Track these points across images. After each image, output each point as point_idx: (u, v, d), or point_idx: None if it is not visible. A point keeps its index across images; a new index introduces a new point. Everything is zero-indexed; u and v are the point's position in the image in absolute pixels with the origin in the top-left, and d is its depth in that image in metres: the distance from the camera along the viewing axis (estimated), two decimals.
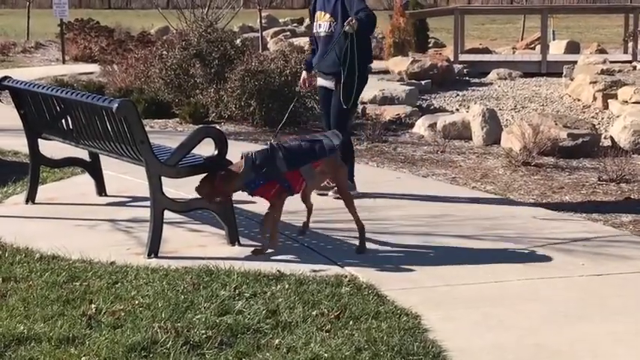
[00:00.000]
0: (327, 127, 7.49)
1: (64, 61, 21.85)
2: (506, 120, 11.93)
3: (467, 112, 11.75)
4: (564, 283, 5.46)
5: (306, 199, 6.28)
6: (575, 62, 16.28)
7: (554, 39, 23.20)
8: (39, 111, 7.10)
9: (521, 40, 26.04)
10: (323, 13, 7.53)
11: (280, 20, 32.13)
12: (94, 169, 7.71)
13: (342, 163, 6.29)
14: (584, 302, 5.14)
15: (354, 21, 7.00)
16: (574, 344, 4.51)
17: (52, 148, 7.63)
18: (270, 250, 5.95)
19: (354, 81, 7.29)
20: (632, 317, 4.90)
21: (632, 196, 7.76)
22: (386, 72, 16.04)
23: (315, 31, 7.67)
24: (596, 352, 4.43)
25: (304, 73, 7.92)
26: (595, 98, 12.76)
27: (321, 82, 7.72)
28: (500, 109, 12.51)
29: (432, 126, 11.07)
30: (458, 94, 14.34)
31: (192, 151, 6.28)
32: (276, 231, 6.04)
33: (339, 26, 7.25)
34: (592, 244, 6.28)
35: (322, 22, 7.53)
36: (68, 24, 23.85)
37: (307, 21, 31.36)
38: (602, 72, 14.18)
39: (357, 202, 6.30)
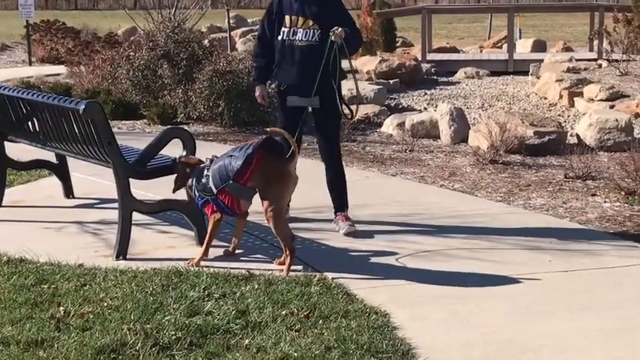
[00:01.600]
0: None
1: (30, 63, 21.67)
2: (474, 118, 11.99)
3: (435, 111, 11.80)
4: (531, 280, 5.51)
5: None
6: (541, 61, 16.38)
7: (520, 37, 23.33)
8: (5, 113, 7.05)
9: (488, 38, 26.15)
10: (299, 18, 6.38)
11: (249, 20, 32.03)
12: (61, 171, 7.67)
13: (270, 182, 5.66)
14: (551, 298, 5.19)
15: (339, 30, 6.17)
16: (541, 340, 4.56)
17: (19, 150, 7.59)
18: (199, 260, 5.78)
19: (336, 93, 6.49)
20: (597, 313, 4.96)
21: (598, 193, 7.85)
22: (354, 71, 16.06)
23: (284, 38, 6.44)
24: (563, 347, 4.49)
25: (260, 87, 6.76)
26: (561, 96, 12.86)
27: (294, 102, 6.50)
28: (467, 108, 12.57)
29: (401, 125, 11.12)
30: (426, 93, 14.39)
31: (161, 152, 6.28)
32: (208, 247, 5.85)
33: (326, 35, 6.25)
34: (558, 241, 6.35)
35: (299, 29, 6.38)
36: (34, 25, 23.66)
37: None
38: (568, 70, 14.29)
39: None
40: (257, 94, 6.77)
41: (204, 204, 5.83)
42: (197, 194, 5.83)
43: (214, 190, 5.71)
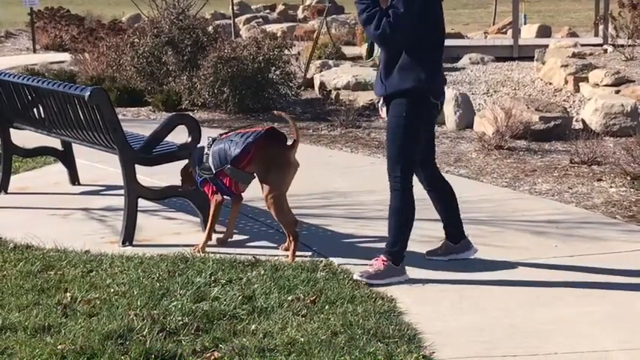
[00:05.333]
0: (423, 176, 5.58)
1: (34, 50, 21.66)
2: (479, 104, 11.95)
3: None
4: (538, 265, 5.51)
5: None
6: (546, 46, 16.31)
7: (525, 23, 23.26)
8: (10, 100, 7.05)
9: (493, 24, 26.09)
10: None
11: (252, 7, 32.00)
12: (66, 158, 7.68)
13: (269, 169, 5.60)
14: (558, 283, 5.19)
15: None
16: (548, 324, 4.56)
17: (24, 137, 7.60)
18: (204, 244, 5.81)
19: (402, 103, 5.16)
20: (604, 298, 4.96)
21: (604, 178, 7.83)
22: (359, 57, 16.03)
23: None
24: (570, 331, 4.48)
25: None
26: (566, 81, 12.81)
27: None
28: (472, 94, 12.53)
29: None
30: None
31: (166, 139, 6.28)
32: (211, 230, 5.87)
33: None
34: (564, 226, 6.34)
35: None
36: (38, 13, 23.64)
37: (280, 7, 31.27)
38: (574, 55, 14.23)
39: (326, 187, 6.31)
40: None
41: (203, 182, 5.84)
42: (197, 172, 5.85)
43: (213, 170, 5.72)
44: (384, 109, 5.32)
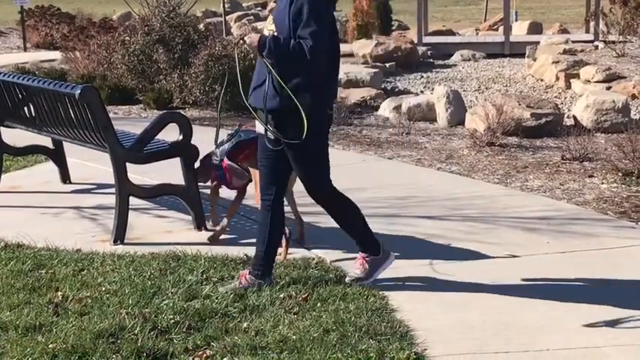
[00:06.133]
0: (268, 190, 5.12)
1: (25, 49, 21.59)
2: (471, 101, 11.97)
3: (431, 93, 11.79)
4: (529, 262, 5.51)
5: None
6: (537, 43, 16.36)
7: (516, 20, 23.28)
8: (1, 99, 7.02)
9: (484, 21, 26.11)
10: (270, 18, 5.08)
11: (244, 4, 31.97)
12: (57, 156, 7.66)
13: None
14: (549, 280, 5.19)
15: (244, 40, 5.02)
16: (539, 321, 4.56)
17: (15, 136, 7.57)
18: (217, 231, 5.98)
19: (298, 119, 4.79)
20: (596, 294, 4.96)
21: (595, 175, 7.84)
22: (350, 55, 16.05)
23: None
24: (561, 328, 4.49)
25: None
26: (558, 78, 12.85)
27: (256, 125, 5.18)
28: (464, 91, 12.56)
29: (397, 108, 11.10)
30: (422, 76, 14.38)
31: (157, 137, 6.27)
32: (216, 214, 6.14)
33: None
34: (556, 223, 6.35)
35: (267, 33, 4.98)
36: (29, 11, 23.56)
37: (271, 5, 31.24)
38: (565, 52, 14.27)
39: None
40: None
41: (214, 165, 6.03)
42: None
43: (218, 159, 5.87)
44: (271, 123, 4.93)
